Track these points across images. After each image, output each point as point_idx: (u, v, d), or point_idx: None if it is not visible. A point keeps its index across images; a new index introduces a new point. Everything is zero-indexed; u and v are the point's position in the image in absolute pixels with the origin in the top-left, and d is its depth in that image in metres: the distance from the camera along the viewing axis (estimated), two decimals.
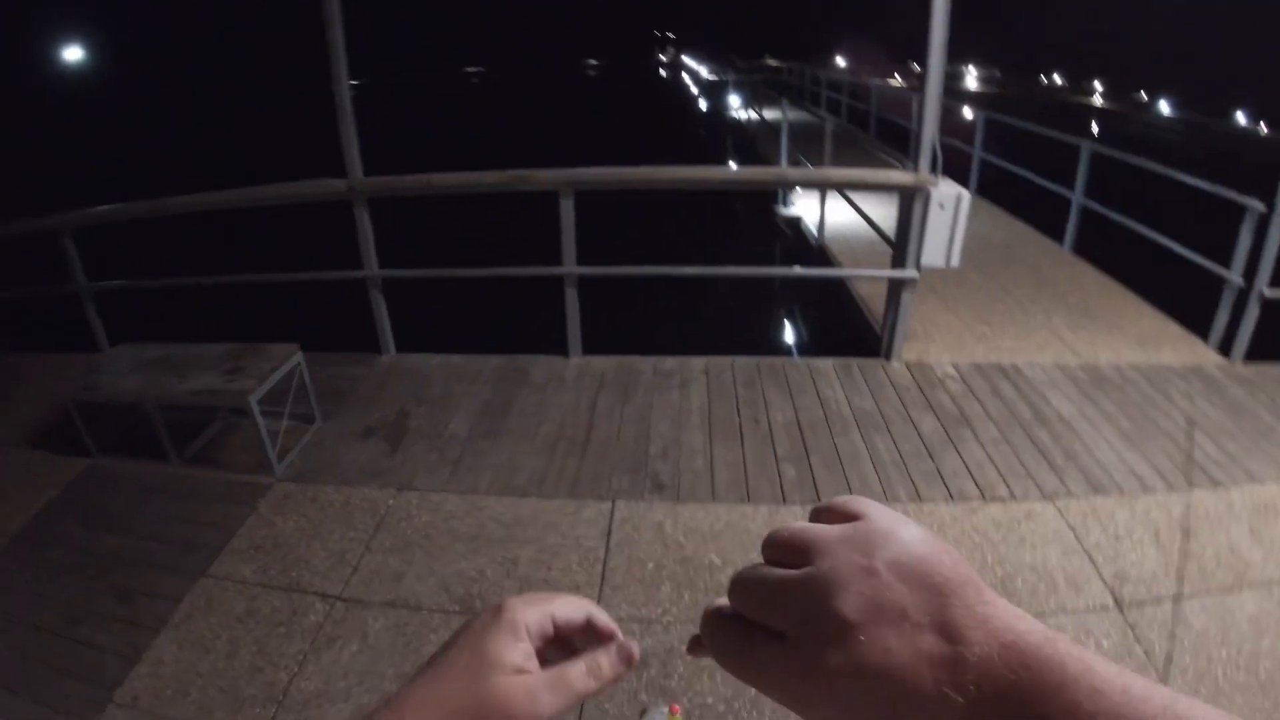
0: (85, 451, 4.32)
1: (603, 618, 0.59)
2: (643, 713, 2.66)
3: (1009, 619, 0.41)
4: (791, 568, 0.46)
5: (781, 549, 0.48)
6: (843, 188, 7.85)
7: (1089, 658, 0.39)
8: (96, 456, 4.32)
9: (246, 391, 3.92)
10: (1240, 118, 40.09)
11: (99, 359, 4.57)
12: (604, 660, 0.56)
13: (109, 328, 5.61)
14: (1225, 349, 5.55)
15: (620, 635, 0.59)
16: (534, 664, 0.54)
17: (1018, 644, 0.40)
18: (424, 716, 0.51)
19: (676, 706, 2.64)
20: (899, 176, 5.01)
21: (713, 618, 0.50)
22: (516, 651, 0.53)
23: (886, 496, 3.94)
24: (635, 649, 0.58)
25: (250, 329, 4.64)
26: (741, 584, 0.48)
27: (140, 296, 5.61)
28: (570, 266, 5.10)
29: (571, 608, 0.58)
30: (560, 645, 0.58)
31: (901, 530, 0.46)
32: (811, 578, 0.44)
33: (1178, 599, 3.30)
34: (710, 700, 2.73)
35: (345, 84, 4.71)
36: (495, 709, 0.51)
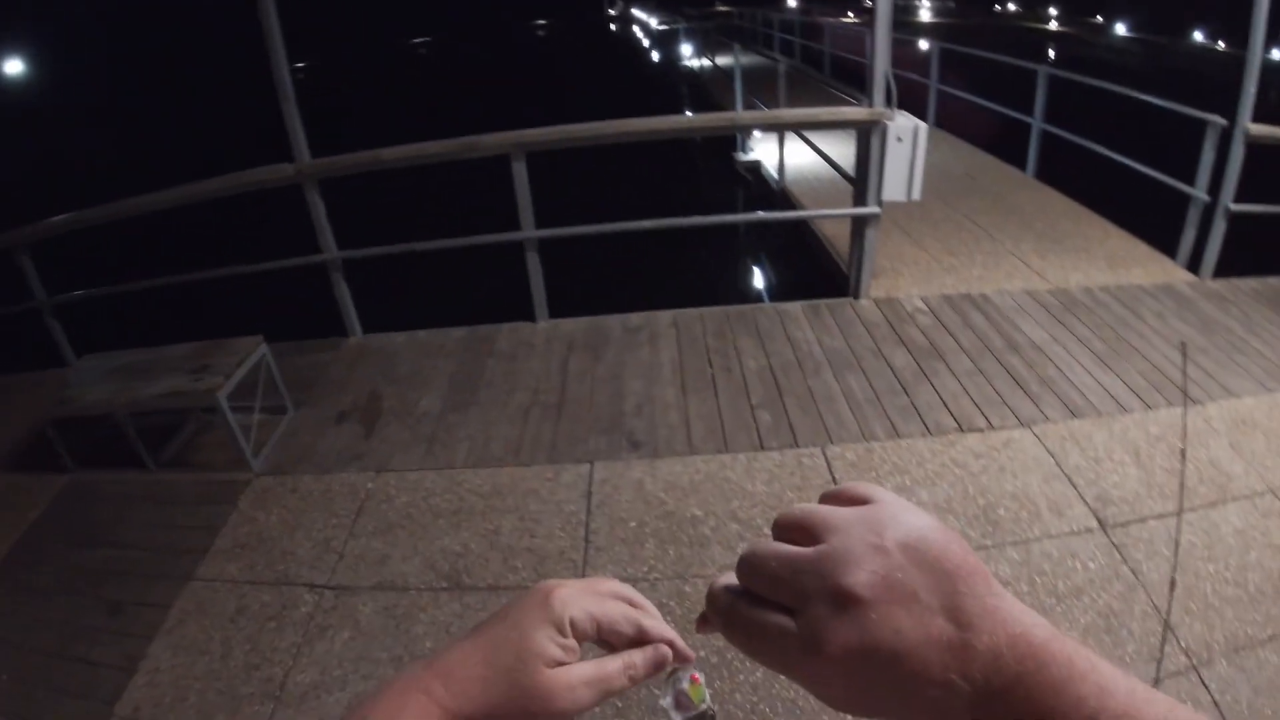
0: (63, 468, 4.26)
1: (655, 628, 0.59)
2: (670, 673, 2.64)
3: (1017, 613, 0.42)
4: (802, 546, 0.47)
5: (792, 528, 0.49)
6: (797, 128, 7.78)
7: (1094, 657, 0.40)
8: (75, 471, 4.26)
9: (215, 389, 3.88)
10: (1198, 36, 40.09)
11: (67, 374, 4.48)
12: (639, 660, 0.58)
13: (74, 340, 5.46)
14: (1194, 266, 5.60)
15: (679, 641, 0.60)
16: (575, 655, 0.56)
17: (1026, 637, 0.40)
18: (467, 695, 0.52)
19: (698, 676, 2.63)
20: (853, 112, 4.96)
21: (721, 594, 0.50)
22: (559, 647, 0.55)
23: (863, 434, 3.95)
24: (668, 654, 0.59)
25: (214, 325, 4.59)
26: (752, 560, 0.49)
27: (103, 305, 5.46)
28: (529, 231, 5.06)
29: (620, 616, 0.58)
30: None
31: (913, 516, 0.47)
32: (824, 555, 0.45)
33: (1162, 517, 3.31)
34: (703, 654, 2.76)
35: (284, 66, 4.58)
36: (536, 699, 0.53)
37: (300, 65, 4.66)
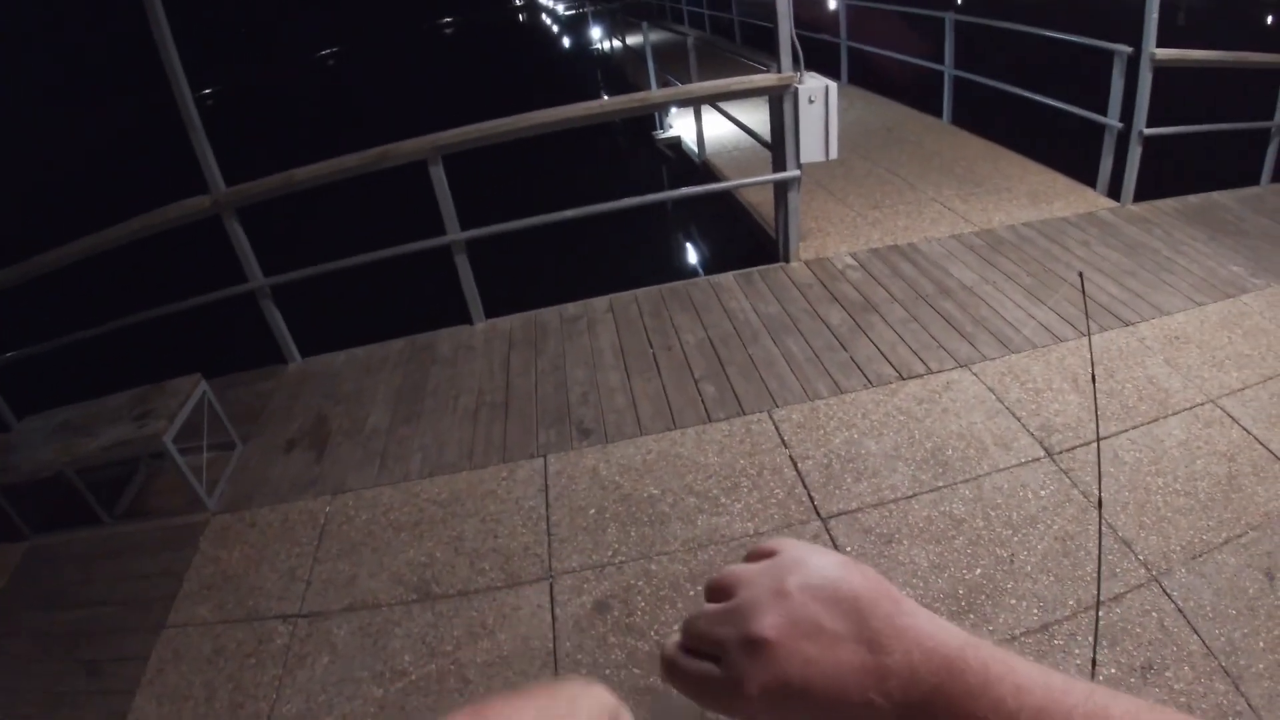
0: (20, 535, 4.17)
1: None
2: None
3: (931, 627, 0.46)
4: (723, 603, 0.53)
5: (715, 590, 0.54)
6: (710, 100, 7.78)
7: (1011, 658, 0.42)
8: (32, 537, 4.18)
9: (159, 433, 3.83)
10: None
11: (9, 438, 4.36)
12: None
13: (12, 402, 5.25)
14: (1115, 193, 5.74)
15: None
16: None
17: (939, 650, 0.44)
18: None
19: None
20: (763, 79, 4.99)
21: (667, 649, 0.55)
22: None
23: (807, 394, 4.02)
24: None
25: (150, 368, 4.51)
26: (687, 621, 0.54)
27: (35, 363, 5.27)
28: (454, 234, 5.03)
29: None
30: None
31: (812, 558, 0.52)
32: (735, 608, 0.51)
33: (1106, 439, 3.39)
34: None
35: (188, 96, 4.45)
36: None
37: (207, 91, 4.52)
